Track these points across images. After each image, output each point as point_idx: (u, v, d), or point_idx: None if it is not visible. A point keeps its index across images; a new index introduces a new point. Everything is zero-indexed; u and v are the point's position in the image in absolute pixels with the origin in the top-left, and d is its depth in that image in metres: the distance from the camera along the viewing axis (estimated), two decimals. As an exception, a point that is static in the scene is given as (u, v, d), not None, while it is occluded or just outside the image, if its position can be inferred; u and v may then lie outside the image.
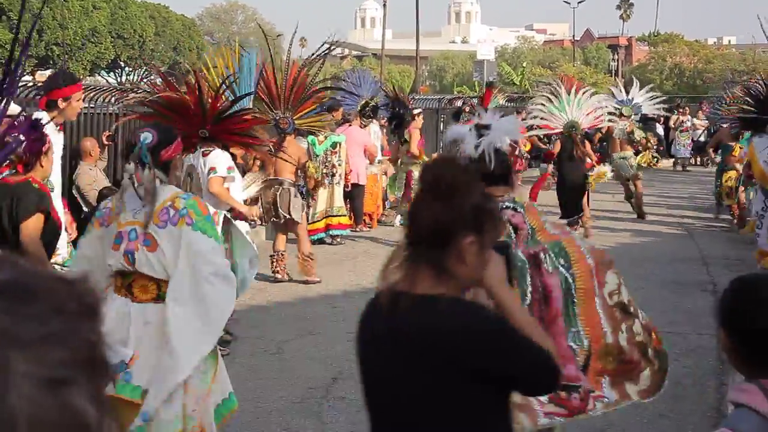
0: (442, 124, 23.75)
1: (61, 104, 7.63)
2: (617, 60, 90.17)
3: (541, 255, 4.28)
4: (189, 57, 62.01)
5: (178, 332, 4.69)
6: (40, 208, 5.59)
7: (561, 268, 4.30)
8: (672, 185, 24.25)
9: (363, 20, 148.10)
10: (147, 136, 4.79)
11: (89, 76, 65.30)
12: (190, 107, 8.21)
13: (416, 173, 15.03)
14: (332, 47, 15.42)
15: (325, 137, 13.50)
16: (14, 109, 9.69)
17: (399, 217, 17.03)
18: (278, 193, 11.45)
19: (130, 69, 71.27)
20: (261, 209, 11.40)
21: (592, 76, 68.64)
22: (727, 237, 15.61)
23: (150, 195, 4.76)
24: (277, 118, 11.56)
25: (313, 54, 12.04)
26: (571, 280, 4.31)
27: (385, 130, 18.03)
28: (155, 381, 4.70)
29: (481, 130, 4.52)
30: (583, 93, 15.92)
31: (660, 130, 30.55)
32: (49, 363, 0.96)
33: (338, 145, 13.73)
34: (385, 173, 17.48)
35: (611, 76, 78.02)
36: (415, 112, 16.16)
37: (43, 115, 7.73)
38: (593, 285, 4.39)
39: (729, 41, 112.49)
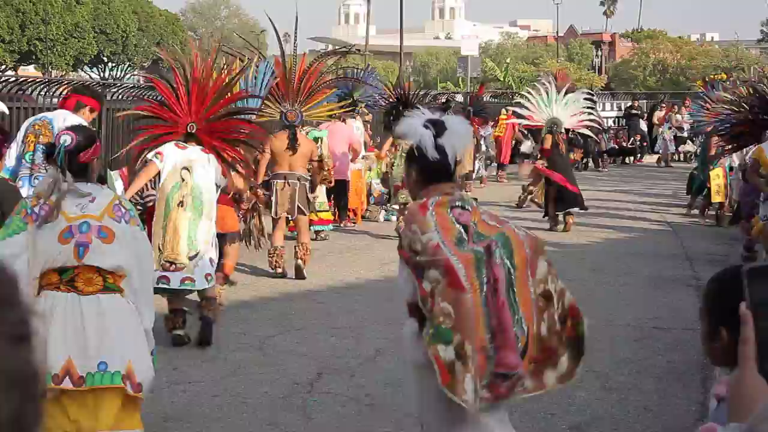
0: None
1: (85, 112, 8.41)
2: (601, 56, 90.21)
3: (493, 247, 4.34)
4: (172, 52, 61.82)
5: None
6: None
7: (505, 259, 4.37)
8: (655, 181, 24.29)
9: (347, 16, 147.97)
10: (66, 139, 4.91)
11: (72, 71, 65.08)
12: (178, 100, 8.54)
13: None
14: (351, 48, 15.55)
15: (307, 132, 13.46)
16: (2, 107, 9.73)
17: (383, 212, 17.04)
18: (297, 188, 11.43)
19: (114, 64, 71.06)
20: (275, 204, 11.43)
21: (576, 72, 68.73)
22: (711, 232, 15.66)
23: (60, 192, 4.86)
24: (285, 110, 11.57)
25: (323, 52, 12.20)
26: (512, 270, 4.37)
27: (368, 126, 18.02)
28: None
29: (437, 127, 4.59)
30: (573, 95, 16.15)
31: (643, 126, 30.68)
32: (11, 322, 1.14)
33: (319, 140, 13.68)
34: (369, 169, 17.48)
35: (595, 72, 78.19)
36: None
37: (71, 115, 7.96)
38: (527, 274, 4.45)
39: (712, 38, 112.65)
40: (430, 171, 4.59)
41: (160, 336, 8.65)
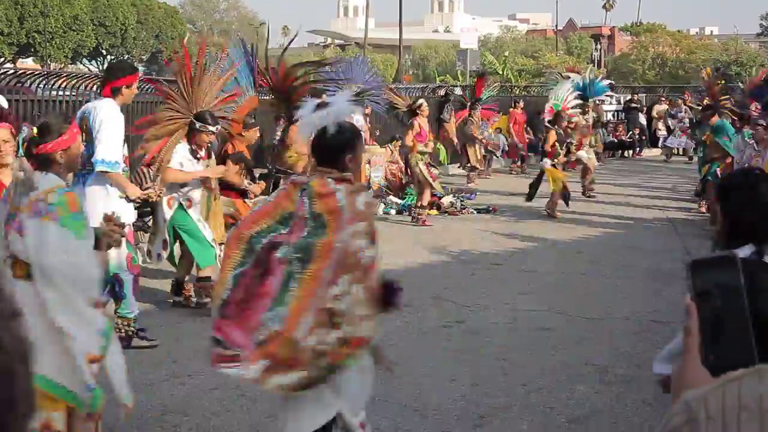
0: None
1: (125, 91, 8.17)
2: (600, 50, 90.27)
3: (281, 244, 4.61)
4: (171, 45, 61.72)
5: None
6: None
7: (294, 262, 4.56)
8: (654, 175, 24.28)
9: (346, 9, 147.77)
10: (24, 130, 4.96)
11: (71, 64, 65.06)
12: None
13: (414, 162, 15.23)
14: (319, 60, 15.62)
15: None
16: (2, 100, 9.71)
17: (382, 205, 17.04)
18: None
19: (113, 57, 70.99)
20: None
21: (575, 66, 68.75)
22: (709, 227, 15.65)
23: (18, 185, 4.92)
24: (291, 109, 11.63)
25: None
26: (296, 274, 4.55)
27: (368, 119, 18.02)
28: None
29: (322, 108, 4.88)
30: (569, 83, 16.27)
31: (642, 119, 30.65)
32: (4, 299, 1.24)
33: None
34: (368, 162, 17.46)
35: (594, 65, 78.20)
36: (418, 103, 16.09)
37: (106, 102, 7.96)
38: (320, 284, 4.55)
39: (711, 31, 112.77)
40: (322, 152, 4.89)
41: (159, 329, 8.70)
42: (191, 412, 6.71)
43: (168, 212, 9.29)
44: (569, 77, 20.32)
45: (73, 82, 13.73)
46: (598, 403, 7.01)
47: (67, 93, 13.47)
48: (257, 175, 11.15)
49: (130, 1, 69.29)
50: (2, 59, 59.60)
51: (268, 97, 12.10)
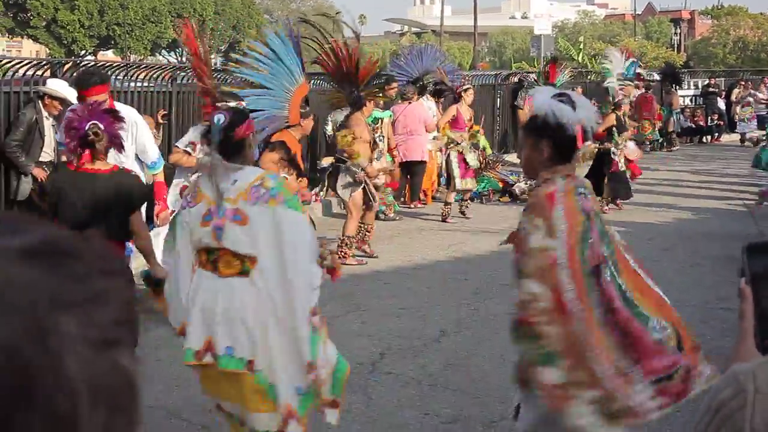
0: (498, 100, 23.62)
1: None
2: (679, 34, 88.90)
3: (601, 267, 4.21)
4: (249, 35, 62.19)
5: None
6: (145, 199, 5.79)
7: (617, 277, 4.27)
8: (733, 161, 23.85)
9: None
10: (219, 118, 4.94)
11: (150, 56, 65.89)
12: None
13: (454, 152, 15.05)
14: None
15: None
16: (71, 92, 9.83)
17: (454, 193, 17.02)
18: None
19: (191, 48, 71.66)
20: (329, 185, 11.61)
21: (654, 50, 67.81)
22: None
23: (218, 172, 4.85)
24: (356, 94, 11.52)
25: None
26: (624, 287, 4.28)
27: (440, 107, 18.00)
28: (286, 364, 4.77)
29: (570, 102, 4.43)
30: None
31: (721, 104, 30.15)
32: (99, 324, 0.93)
33: (380, 121, 13.55)
34: (441, 150, 17.41)
35: (673, 50, 77.05)
36: (464, 88, 15.90)
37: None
38: (645, 280, 4.43)
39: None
40: (564, 148, 4.37)
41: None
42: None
43: None
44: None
45: (145, 73, 13.91)
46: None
47: (140, 84, 13.65)
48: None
49: (208, -8, 69.99)
50: (84, 52, 60.58)
51: (332, 85, 12.04)
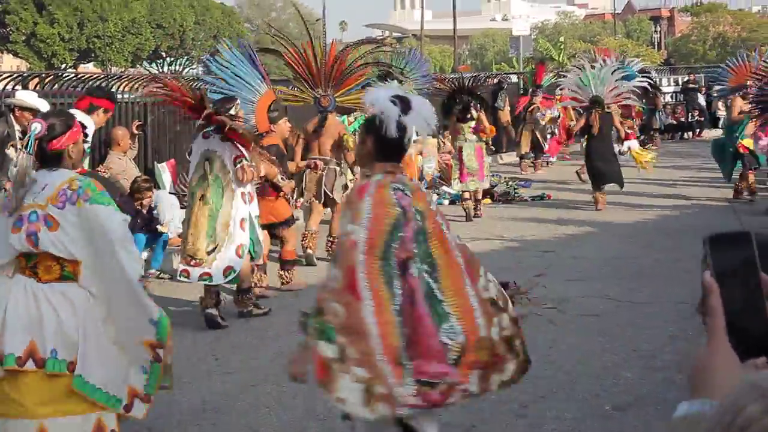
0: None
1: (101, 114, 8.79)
2: (659, 32, 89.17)
3: (409, 262, 4.38)
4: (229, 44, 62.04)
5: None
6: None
7: (424, 274, 4.41)
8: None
9: (402, 1, 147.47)
10: (36, 127, 4.92)
11: (131, 67, 65.69)
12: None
13: (466, 149, 14.95)
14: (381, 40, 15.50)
15: (355, 118, 13.37)
16: (43, 104, 9.77)
17: (435, 196, 16.94)
18: (324, 172, 11.48)
19: (172, 59, 71.55)
20: (304, 188, 11.53)
21: (635, 49, 67.94)
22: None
23: (22, 180, 4.84)
24: (318, 96, 11.64)
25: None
26: (433, 284, 4.41)
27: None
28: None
29: (404, 105, 4.63)
30: (612, 67, 16.03)
31: (701, 100, 30.17)
32: None
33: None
34: (420, 153, 17.35)
35: (654, 48, 77.24)
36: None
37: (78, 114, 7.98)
38: (464, 281, 4.50)
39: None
40: (384, 146, 4.58)
41: (199, 323, 8.71)
42: (230, 409, 6.70)
43: (245, 210, 8.99)
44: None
45: (132, 85, 13.86)
46: (644, 389, 6.87)
47: (127, 96, 13.59)
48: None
49: (188, 2, 69.75)
50: (64, 65, 60.36)
51: (299, 89, 12.10)
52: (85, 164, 7.68)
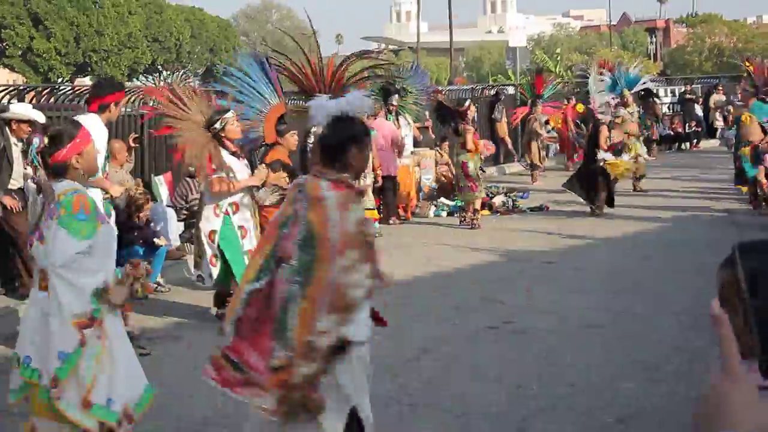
0: (476, 113, 23.53)
1: (113, 108, 8.32)
2: (655, 43, 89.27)
3: (285, 262, 4.55)
4: (223, 60, 62.11)
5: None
6: None
7: (295, 284, 4.50)
8: (712, 167, 23.74)
9: (398, 14, 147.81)
10: (35, 141, 5.00)
11: (128, 81, 65.67)
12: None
13: (470, 164, 14.86)
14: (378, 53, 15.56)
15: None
16: (39, 115, 9.76)
17: (433, 208, 16.91)
18: None
19: (168, 72, 71.58)
20: None
21: (631, 60, 67.95)
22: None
23: (45, 192, 4.99)
24: None
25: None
26: (298, 296, 4.49)
27: (430, 129, 18.08)
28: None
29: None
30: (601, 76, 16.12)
31: (699, 110, 30.15)
32: None
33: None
34: (418, 164, 17.34)
35: (650, 59, 77.28)
36: (465, 105, 15.78)
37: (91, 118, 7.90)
38: (315, 315, 4.51)
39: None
40: (321, 148, 4.85)
41: (201, 338, 8.65)
42: (232, 423, 6.63)
43: (216, 222, 9.19)
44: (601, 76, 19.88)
45: (129, 98, 13.83)
46: (646, 401, 6.81)
47: (123, 109, 13.56)
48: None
49: (184, 16, 69.76)
50: (60, 79, 60.32)
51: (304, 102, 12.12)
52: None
